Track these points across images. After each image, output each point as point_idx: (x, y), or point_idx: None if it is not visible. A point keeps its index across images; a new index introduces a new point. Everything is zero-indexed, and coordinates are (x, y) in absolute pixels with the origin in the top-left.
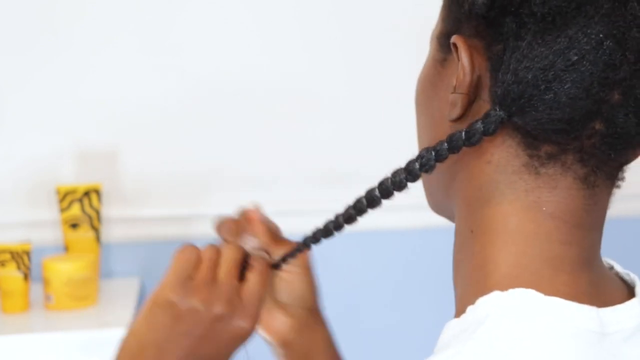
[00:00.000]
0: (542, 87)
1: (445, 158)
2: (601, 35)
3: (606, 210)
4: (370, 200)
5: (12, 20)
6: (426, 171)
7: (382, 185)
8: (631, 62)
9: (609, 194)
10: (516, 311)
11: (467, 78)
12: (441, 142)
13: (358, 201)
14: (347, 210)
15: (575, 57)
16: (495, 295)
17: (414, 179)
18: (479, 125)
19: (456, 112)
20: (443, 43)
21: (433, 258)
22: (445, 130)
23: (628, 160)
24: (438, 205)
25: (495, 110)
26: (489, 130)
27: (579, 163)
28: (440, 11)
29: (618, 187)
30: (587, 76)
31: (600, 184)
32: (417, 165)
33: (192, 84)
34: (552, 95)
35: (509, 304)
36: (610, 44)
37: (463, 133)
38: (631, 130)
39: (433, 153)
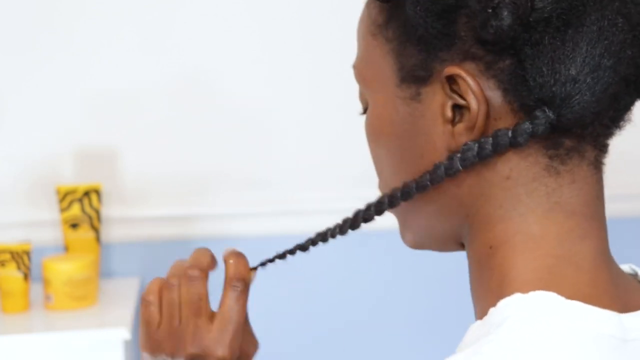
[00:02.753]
0: (588, 79)
1: (489, 157)
2: (618, 17)
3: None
4: (386, 203)
5: (12, 20)
6: (452, 175)
7: (405, 186)
8: (637, 38)
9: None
10: (536, 314)
11: (483, 107)
12: (485, 139)
13: (378, 202)
14: (357, 214)
15: (606, 42)
16: (516, 298)
17: (437, 181)
18: (527, 125)
19: (472, 138)
20: (414, 77)
21: (433, 258)
22: (440, 160)
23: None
24: (435, 237)
25: (545, 111)
26: (538, 131)
27: (592, 147)
28: (378, 47)
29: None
30: (621, 59)
31: (602, 160)
32: (458, 160)
33: (192, 85)
34: (600, 85)
35: (529, 307)
36: (624, 22)
37: (509, 132)
38: (631, 102)
39: (476, 147)
